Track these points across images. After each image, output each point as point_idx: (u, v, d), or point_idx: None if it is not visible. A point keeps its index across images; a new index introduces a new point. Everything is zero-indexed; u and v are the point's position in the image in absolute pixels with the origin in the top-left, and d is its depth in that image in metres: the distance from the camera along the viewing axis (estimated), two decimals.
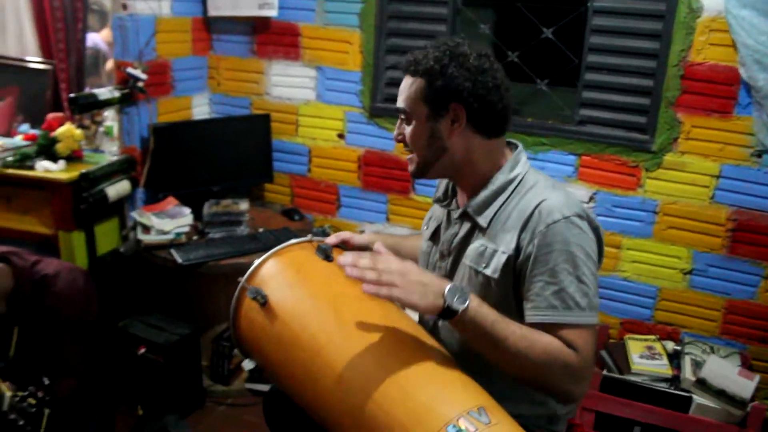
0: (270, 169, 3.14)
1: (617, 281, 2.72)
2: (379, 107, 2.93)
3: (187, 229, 2.76)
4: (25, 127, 3.13)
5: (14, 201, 2.89)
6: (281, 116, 3.13)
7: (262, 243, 2.69)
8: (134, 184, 2.89)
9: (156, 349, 2.52)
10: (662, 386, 2.41)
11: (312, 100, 3.06)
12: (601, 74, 2.60)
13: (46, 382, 1.98)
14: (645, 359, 2.50)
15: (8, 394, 1.95)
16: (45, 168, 2.73)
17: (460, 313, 1.26)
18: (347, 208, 3.13)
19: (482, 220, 1.46)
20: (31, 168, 2.76)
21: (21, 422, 1.91)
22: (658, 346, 2.58)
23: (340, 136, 3.04)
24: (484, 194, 1.47)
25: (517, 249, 1.39)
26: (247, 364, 1.57)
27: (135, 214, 2.80)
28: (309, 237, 1.65)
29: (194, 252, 2.60)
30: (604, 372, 2.48)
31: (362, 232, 3.01)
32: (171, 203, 2.84)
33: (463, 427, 1.12)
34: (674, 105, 2.48)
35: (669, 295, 2.66)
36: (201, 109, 3.25)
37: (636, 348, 2.57)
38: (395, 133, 1.53)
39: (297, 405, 1.76)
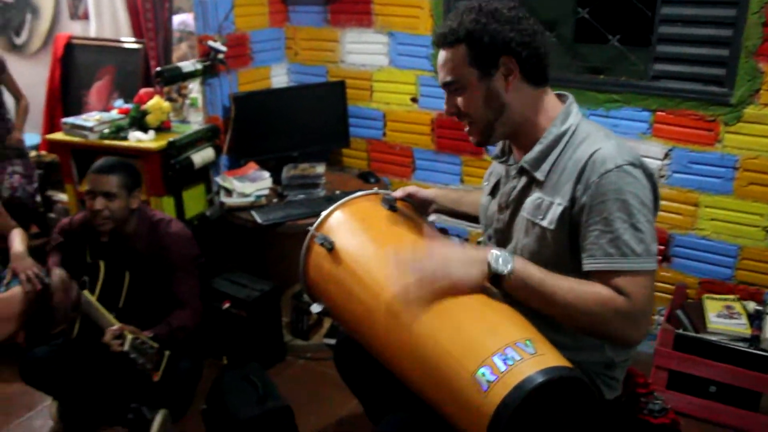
0: (347, 135, 3.23)
1: (695, 240, 2.66)
2: None
3: (266, 192, 2.90)
4: (119, 102, 3.36)
5: None
6: (356, 83, 3.22)
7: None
8: (218, 151, 3.06)
9: (239, 304, 2.68)
10: (741, 346, 2.35)
11: (385, 65, 3.12)
12: (675, 27, 2.52)
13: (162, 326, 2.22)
14: (722, 318, 2.44)
15: (130, 336, 2.17)
16: (137, 138, 2.94)
17: (506, 275, 1.32)
18: (422, 171, 3.18)
19: (539, 174, 1.48)
20: (125, 139, 2.97)
21: (141, 360, 2.13)
22: (737, 305, 2.51)
23: (414, 99, 3.10)
24: (538, 148, 1.48)
25: (572, 200, 1.41)
26: (315, 308, 1.66)
27: (218, 179, 2.97)
28: (375, 189, 1.74)
29: (273, 213, 2.73)
30: (679, 330, 2.44)
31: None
32: (252, 168, 2.99)
33: (509, 356, 1.17)
34: (755, 54, 2.38)
35: (751, 253, 2.57)
36: (279, 78, 3.38)
37: (713, 307, 2.50)
38: (446, 108, 1.54)
39: (363, 353, 1.88)
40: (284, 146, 3.15)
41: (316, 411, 2.50)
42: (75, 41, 3.97)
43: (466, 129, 1.55)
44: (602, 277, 1.35)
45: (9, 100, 3.67)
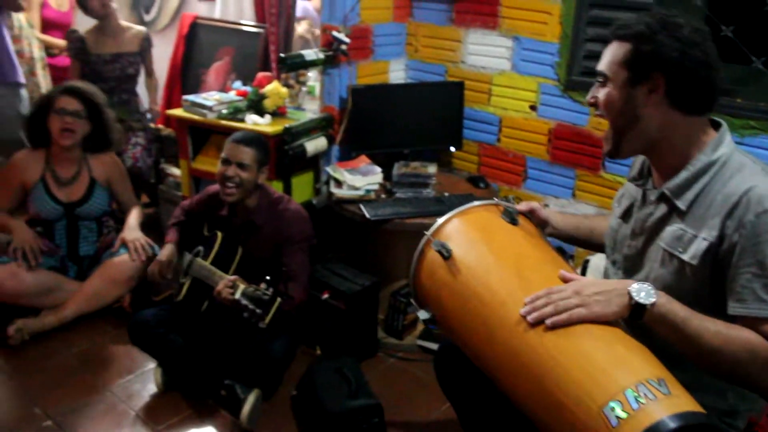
0: (460, 136, 3.19)
1: None
2: (575, 80, 2.86)
3: (376, 187, 2.90)
4: (238, 83, 3.44)
5: None
6: (474, 85, 3.16)
7: (447, 206, 2.74)
8: (330, 141, 3.08)
9: (339, 296, 2.68)
10: None
11: (506, 70, 3.06)
12: None
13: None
14: None
15: (242, 285, 2.27)
16: (254, 121, 2.99)
17: (649, 309, 1.26)
18: (533, 180, 3.11)
19: (681, 203, 1.41)
20: (242, 120, 3.03)
21: (251, 306, 2.19)
22: None
23: (532, 107, 3.02)
24: (683, 176, 1.41)
25: (721, 237, 1.33)
26: (422, 314, 1.63)
27: (329, 169, 2.98)
28: (495, 200, 1.69)
29: (382, 209, 2.72)
30: None
31: (546, 206, 2.99)
32: (363, 161, 2.99)
33: (641, 394, 1.12)
34: None
35: None
36: (397, 74, 3.37)
37: None
38: (589, 95, 1.51)
39: (467, 362, 1.84)
40: (396, 142, 3.14)
41: (404, 412, 2.48)
42: (200, 21, 4.10)
43: (603, 136, 1.52)
44: (751, 323, 1.28)
45: None
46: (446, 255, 1.53)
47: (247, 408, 2.33)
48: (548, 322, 1.28)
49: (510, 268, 1.48)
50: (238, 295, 2.25)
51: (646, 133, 1.42)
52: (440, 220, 1.63)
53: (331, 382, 2.38)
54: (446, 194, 2.91)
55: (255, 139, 2.56)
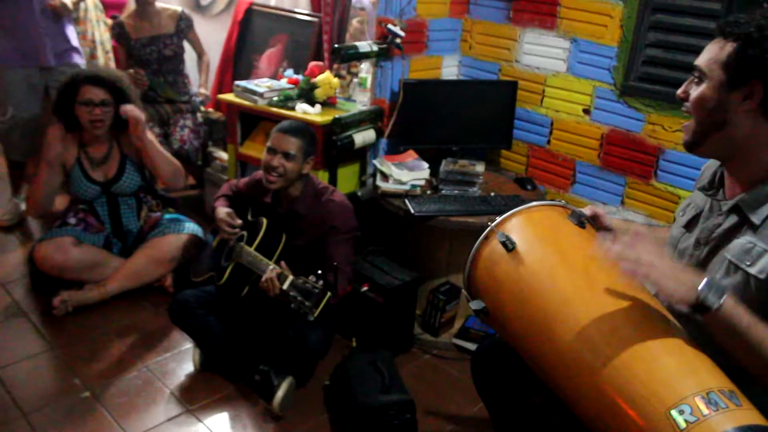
0: (510, 136, 3.15)
1: None
2: (632, 86, 2.79)
3: (422, 182, 2.88)
4: (289, 71, 3.44)
5: None
6: (527, 85, 3.12)
7: (493, 206, 2.72)
8: (379, 134, 3.06)
9: (378, 289, 2.67)
10: None
11: (561, 71, 3.00)
12: None
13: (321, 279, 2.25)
14: None
15: (291, 276, 2.25)
16: (304, 110, 3.00)
17: (714, 310, 1.22)
18: (581, 185, 3.05)
19: (755, 217, 1.37)
20: (292, 109, 3.04)
21: (300, 297, 2.17)
22: None
23: (586, 111, 2.96)
24: (763, 190, 1.36)
25: None
26: (475, 304, 1.61)
27: (376, 162, 2.97)
28: (562, 202, 1.67)
29: (427, 205, 2.70)
30: None
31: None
32: (411, 156, 2.97)
33: (712, 401, 1.11)
34: None
35: None
36: (450, 70, 3.33)
37: None
38: (680, 89, 1.46)
39: (506, 366, 1.82)
40: (445, 139, 3.11)
41: (436, 409, 2.46)
42: (255, 7, 4.11)
43: (684, 124, 1.48)
44: None
45: (187, 57, 3.88)
46: (510, 247, 1.51)
47: (279, 394, 2.34)
48: (623, 266, 1.27)
49: (577, 267, 1.46)
50: (286, 286, 2.24)
51: (730, 140, 1.38)
52: (508, 213, 1.61)
53: (364, 375, 2.37)
54: (492, 194, 2.87)
55: (302, 130, 2.55)
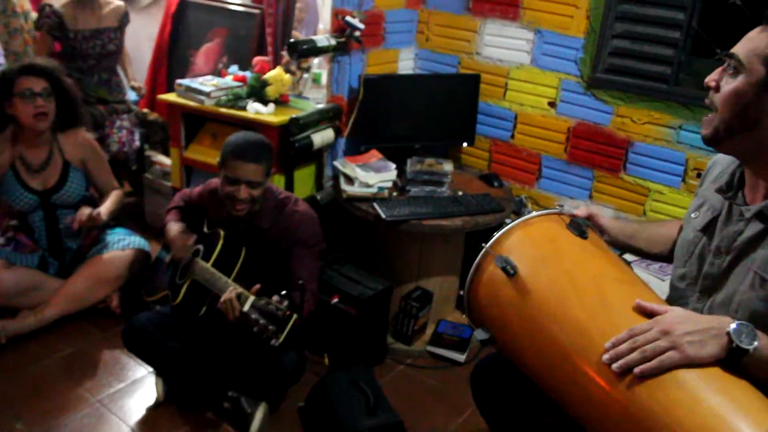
0: (473, 132, 3.03)
1: None
2: (600, 78, 2.72)
3: (389, 184, 2.72)
4: (234, 68, 3.22)
5: (220, 139, 2.96)
6: (490, 78, 3.01)
7: (464, 207, 2.61)
8: (337, 133, 2.88)
9: (350, 301, 2.51)
10: None
11: (525, 63, 2.91)
12: None
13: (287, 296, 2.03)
14: None
15: (252, 297, 2.02)
16: (256, 110, 2.78)
17: (750, 353, 1.12)
18: (548, 180, 2.97)
19: None
20: (243, 109, 2.82)
21: (263, 321, 1.95)
22: None
23: (551, 104, 2.88)
24: None
25: None
26: (480, 334, 1.48)
27: (338, 164, 2.79)
28: (557, 209, 1.54)
29: (398, 208, 2.55)
30: None
31: (561, 206, 2.86)
32: (374, 156, 2.81)
33: None
34: None
35: None
36: (406, 63, 3.19)
37: None
38: (711, 77, 1.32)
39: (507, 382, 1.70)
40: (406, 136, 2.97)
41: (421, 424, 2.33)
42: None
43: (704, 117, 1.34)
44: None
45: None
46: (512, 272, 1.37)
47: (256, 424, 2.15)
48: (637, 371, 1.14)
49: (589, 290, 1.33)
50: (247, 308, 2.00)
51: (759, 141, 1.27)
52: (499, 232, 1.46)
53: (346, 396, 2.22)
54: (460, 193, 2.75)
55: (262, 150, 2.24)
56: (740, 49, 1.27)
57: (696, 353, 1.13)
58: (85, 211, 2.63)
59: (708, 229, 1.46)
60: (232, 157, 2.20)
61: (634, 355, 1.15)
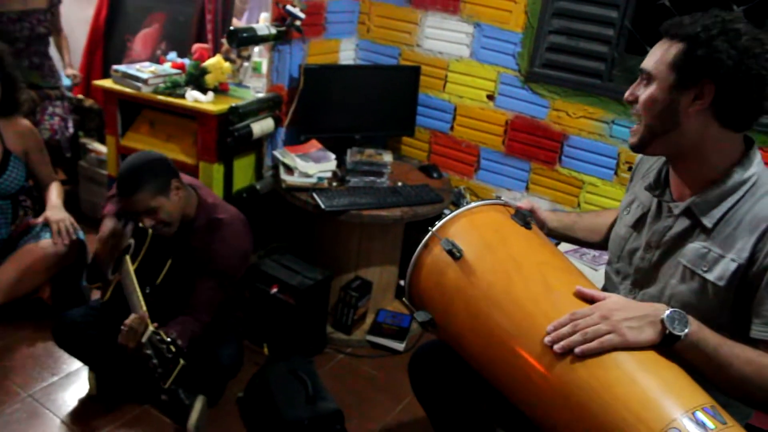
0: (412, 123, 3.06)
1: None
2: (537, 72, 2.79)
3: (329, 174, 2.73)
4: (172, 55, 3.15)
5: (157, 127, 2.93)
6: (430, 70, 3.04)
7: (403, 197, 2.63)
8: (277, 123, 2.87)
9: (289, 290, 2.51)
10: None
11: (465, 56, 2.95)
12: None
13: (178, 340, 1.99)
14: None
15: (151, 328, 1.98)
16: (195, 98, 2.74)
17: (682, 339, 1.19)
18: (486, 172, 3.03)
19: (707, 220, 1.34)
20: (181, 96, 2.77)
21: (154, 360, 1.93)
22: None
23: (490, 97, 2.93)
24: (714, 192, 1.34)
25: (751, 259, 1.28)
26: (421, 316, 1.50)
27: (278, 154, 2.78)
28: (502, 200, 1.58)
29: (337, 199, 2.56)
30: None
31: (498, 197, 2.92)
32: (314, 146, 2.81)
33: (700, 422, 1.06)
34: None
35: None
36: (347, 53, 3.19)
37: None
38: (628, 92, 1.41)
39: (444, 370, 1.74)
40: (347, 127, 2.98)
41: (359, 413, 2.36)
42: None
43: (631, 129, 1.43)
44: None
45: None
46: (458, 255, 1.40)
47: (194, 416, 2.14)
48: (577, 350, 1.19)
49: (534, 276, 1.37)
50: (144, 339, 1.95)
51: (680, 140, 1.34)
52: (446, 218, 1.49)
53: (286, 387, 2.23)
54: (400, 184, 2.78)
55: (139, 178, 2.10)
56: (648, 63, 1.36)
57: (635, 338, 1.18)
58: (63, 225, 2.65)
59: (638, 225, 1.53)
60: (118, 195, 2.17)
61: (576, 337, 1.19)
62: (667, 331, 1.19)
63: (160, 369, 1.93)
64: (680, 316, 1.20)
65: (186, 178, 2.36)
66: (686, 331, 1.19)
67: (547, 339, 1.23)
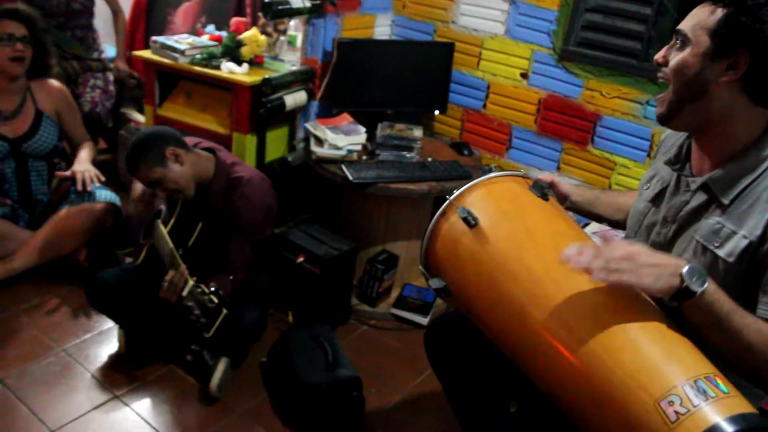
0: (445, 100, 3.05)
1: None
2: (571, 50, 2.75)
3: (358, 147, 2.75)
4: (211, 27, 3.21)
5: (194, 98, 2.99)
6: (464, 47, 3.03)
7: (432, 172, 2.64)
8: (310, 95, 2.90)
9: (314, 260, 2.55)
10: None
11: (500, 34, 2.93)
12: None
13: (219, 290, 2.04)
14: None
15: (191, 282, 2.03)
16: (230, 69, 2.79)
17: (697, 296, 1.16)
18: (517, 150, 3.01)
19: (724, 197, 1.32)
20: (217, 68, 2.82)
21: (197, 311, 1.99)
22: None
23: (524, 75, 2.90)
24: (733, 168, 1.31)
25: (763, 237, 1.25)
26: (435, 283, 1.52)
27: (309, 126, 2.81)
28: (522, 172, 1.58)
29: (365, 171, 2.58)
30: None
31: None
32: (346, 120, 2.83)
33: (701, 390, 1.06)
34: None
35: None
36: (382, 29, 3.19)
37: None
38: (659, 54, 1.37)
39: (460, 341, 1.76)
40: (379, 102, 2.99)
41: (379, 382, 2.39)
42: None
43: (657, 96, 1.39)
44: None
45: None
46: (473, 223, 1.41)
47: (217, 376, 2.20)
48: (594, 276, 1.18)
49: (546, 245, 1.37)
50: (185, 293, 2.01)
51: (707, 111, 1.31)
52: (466, 186, 1.50)
53: (306, 352, 2.27)
54: (430, 159, 2.79)
55: (137, 154, 2.19)
56: (686, 24, 1.32)
57: (650, 284, 1.16)
58: (87, 175, 2.75)
59: (657, 200, 1.51)
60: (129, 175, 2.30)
61: (598, 263, 1.18)
62: (684, 284, 1.16)
63: (203, 319, 1.99)
64: (700, 273, 1.17)
65: (204, 142, 2.43)
66: (704, 287, 1.16)
67: (567, 252, 1.21)
